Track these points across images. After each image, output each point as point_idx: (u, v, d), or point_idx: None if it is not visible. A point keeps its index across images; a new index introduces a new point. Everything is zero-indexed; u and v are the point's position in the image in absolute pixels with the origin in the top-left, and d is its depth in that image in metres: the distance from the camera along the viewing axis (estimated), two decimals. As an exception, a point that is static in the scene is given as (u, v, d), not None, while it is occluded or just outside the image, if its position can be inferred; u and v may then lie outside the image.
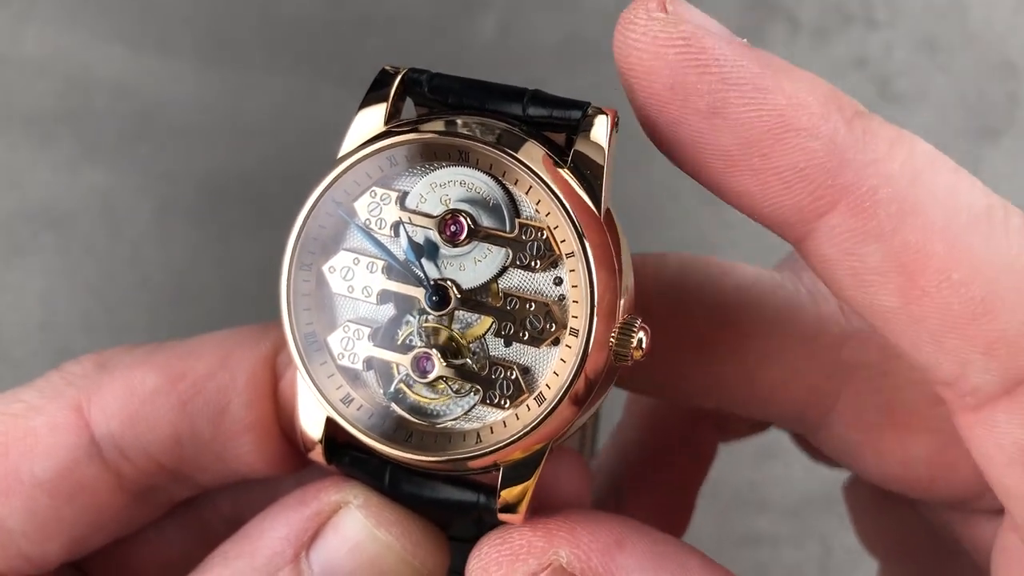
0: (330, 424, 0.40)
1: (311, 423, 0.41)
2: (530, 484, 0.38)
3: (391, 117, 0.40)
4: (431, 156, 0.39)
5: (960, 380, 0.35)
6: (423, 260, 0.39)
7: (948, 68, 0.78)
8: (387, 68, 0.40)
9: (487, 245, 0.39)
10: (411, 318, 0.40)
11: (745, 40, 0.36)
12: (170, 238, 0.77)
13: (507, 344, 0.39)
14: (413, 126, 0.39)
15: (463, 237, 0.39)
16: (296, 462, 0.45)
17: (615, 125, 0.37)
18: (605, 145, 0.38)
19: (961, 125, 0.81)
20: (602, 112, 0.38)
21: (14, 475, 0.42)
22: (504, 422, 0.39)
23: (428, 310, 0.39)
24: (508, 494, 0.38)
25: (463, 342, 0.39)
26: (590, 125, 0.38)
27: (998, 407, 0.35)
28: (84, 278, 0.76)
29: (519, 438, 0.38)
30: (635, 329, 0.37)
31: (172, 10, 0.80)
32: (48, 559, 0.43)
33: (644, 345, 0.38)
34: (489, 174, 0.39)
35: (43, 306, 0.76)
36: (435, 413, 0.40)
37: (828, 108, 0.35)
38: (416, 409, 0.40)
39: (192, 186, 0.78)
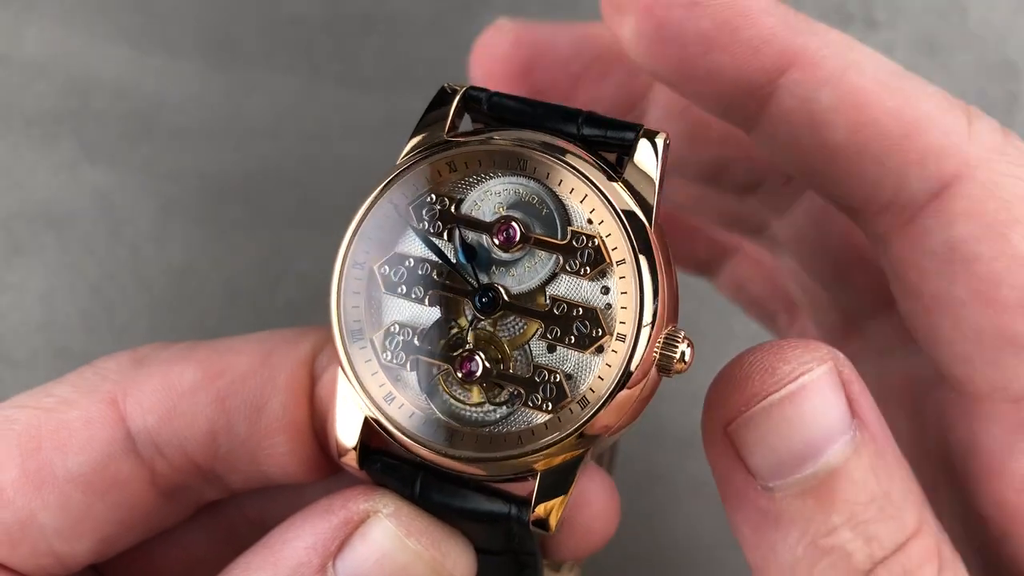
0: (364, 429, 0.40)
1: (347, 428, 0.41)
2: (564, 498, 0.39)
3: (450, 131, 0.41)
4: (489, 164, 0.40)
5: (899, 194, 0.41)
6: (474, 265, 0.40)
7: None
8: (447, 87, 0.41)
9: (538, 252, 0.40)
10: (459, 321, 0.40)
11: None
12: (170, 238, 0.77)
13: (551, 350, 0.39)
14: (471, 136, 0.40)
15: (515, 243, 0.39)
16: (325, 469, 0.45)
17: (667, 145, 0.39)
18: (657, 163, 0.39)
19: (961, 125, 0.80)
20: (655, 133, 0.39)
21: (47, 469, 0.42)
22: (546, 425, 0.39)
23: (477, 313, 0.40)
24: (542, 509, 0.39)
25: (509, 346, 0.40)
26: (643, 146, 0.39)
27: (927, 213, 0.41)
28: (84, 278, 0.76)
29: (561, 440, 0.38)
30: (679, 341, 0.38)
31: (173, 10, 0.80)
32: (76, 559, 0.43)
33: (687, 359, 0.38)
34: (544, 184, 0.39)
35: (43, 306, 0.76)
36: (473, 416, 0.40)
37: None
38: (455, 411, 0.40)
39: (193, 186, 0.78)
